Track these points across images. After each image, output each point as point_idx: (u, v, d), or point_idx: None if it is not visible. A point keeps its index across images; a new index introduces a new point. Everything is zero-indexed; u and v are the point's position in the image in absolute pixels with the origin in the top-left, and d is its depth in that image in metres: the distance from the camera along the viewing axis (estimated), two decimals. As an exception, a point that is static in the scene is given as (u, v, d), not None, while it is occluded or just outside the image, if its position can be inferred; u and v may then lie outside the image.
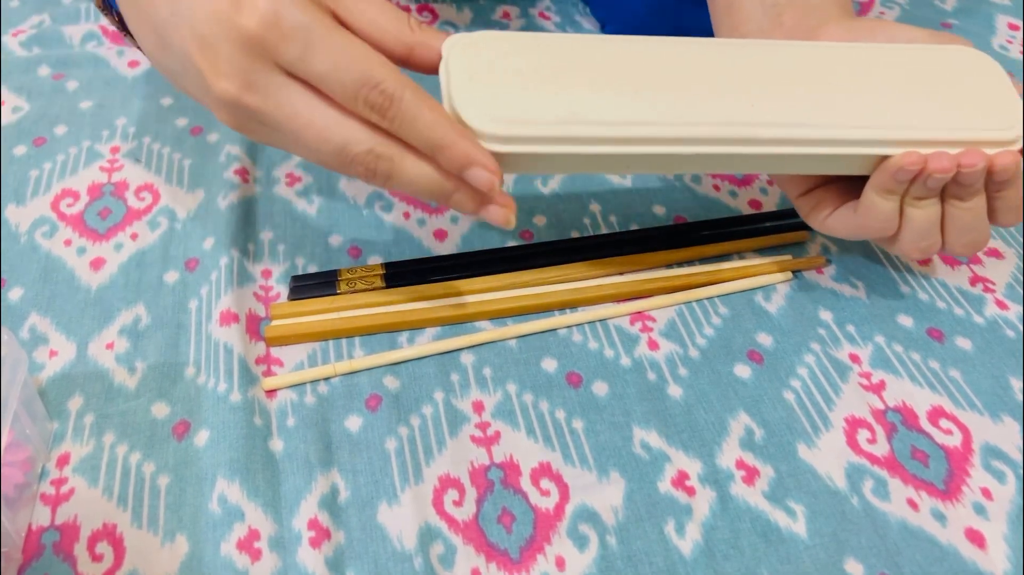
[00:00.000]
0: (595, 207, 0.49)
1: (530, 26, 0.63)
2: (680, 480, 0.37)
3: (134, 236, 0.46)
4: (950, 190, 0.37)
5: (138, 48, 0.37)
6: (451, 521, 0.35)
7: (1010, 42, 0.64)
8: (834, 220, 0.40)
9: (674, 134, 0.34)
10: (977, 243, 0.39)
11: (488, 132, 0.33)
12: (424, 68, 0.35)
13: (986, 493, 0.37)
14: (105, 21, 0.61)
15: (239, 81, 0.31)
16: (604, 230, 0.48)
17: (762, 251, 0.47)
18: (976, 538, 0.35)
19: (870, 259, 0.47)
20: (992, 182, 0.37)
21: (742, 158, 0.36)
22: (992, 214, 0.38)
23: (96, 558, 0.33)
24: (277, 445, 0.37)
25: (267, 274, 0.45)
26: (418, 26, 0.35)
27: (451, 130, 0.32)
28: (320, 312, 0.42)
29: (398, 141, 0.32)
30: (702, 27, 0.48)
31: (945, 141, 0.36)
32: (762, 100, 0.36)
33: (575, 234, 0.47)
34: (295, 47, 0.30)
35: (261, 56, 0.31)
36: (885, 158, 0.36)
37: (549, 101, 0.34)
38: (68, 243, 0.45)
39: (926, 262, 0.47)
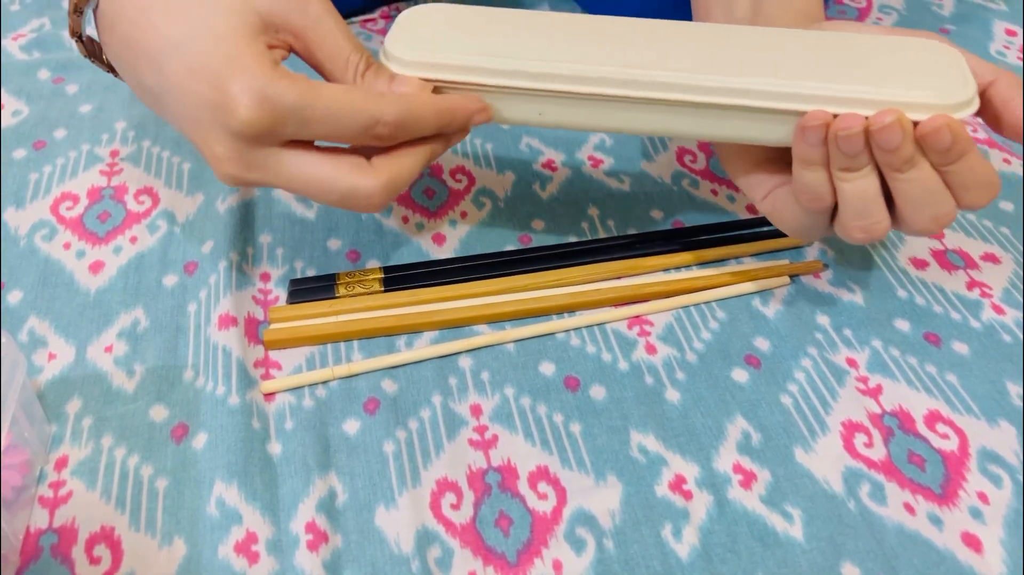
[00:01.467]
0: (593, 211, 0.49)
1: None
2: (677, 484, 0.37)
3: (133, 239, 0.46)
4: (881, 159, 0.34)
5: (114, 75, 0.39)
6: (448, 524, 0.35)
7: (1007, 48, 0.64)
8: (773, 201, 0.39)
9: (572, 72, 0.36)
10: (939, 218, 0.35)
11: (407, 58, 0.36)
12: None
13: (983, 497, 0.37)
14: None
15: (239, 164, 0.33)
16: (602, 234, 0.48)
17: (760, 256, 0.47)
18: (973, 542, 0.35)
19: (867, 264, 0.47)
20: (932, 151, 0.34)
21: (646, 104, 0.36)
22: (952, 192, 0.35)
23: (94, 561, 0.33)
24: (275, 448, 0.37)
25: (266, 278, 0.45)
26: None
27: (446, 108, 0.35)
28: (318, 316, 0.42)
29: (391, 159, 0.35)
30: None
31: (866, 100, 0.34)
32: (679, 54, 0.37)
33: (573, 238, 0.48)
34: (292, 125, 0.32)
35: (259, 141, 0.32)
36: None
37: (470, 43, 0.37)
38: (67, 246, 0.45)
39: (922, 264, 0.47)
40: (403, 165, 0.35)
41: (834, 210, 0.37)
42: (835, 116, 0.34)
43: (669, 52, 0.37)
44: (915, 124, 0.34)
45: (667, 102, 0.36)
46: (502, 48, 0.37)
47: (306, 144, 0.33)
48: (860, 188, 0.35)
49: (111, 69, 0.39)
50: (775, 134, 0.37)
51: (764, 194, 0.40)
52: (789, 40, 0.38)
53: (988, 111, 0.36)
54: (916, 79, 0.35)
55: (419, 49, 0.36)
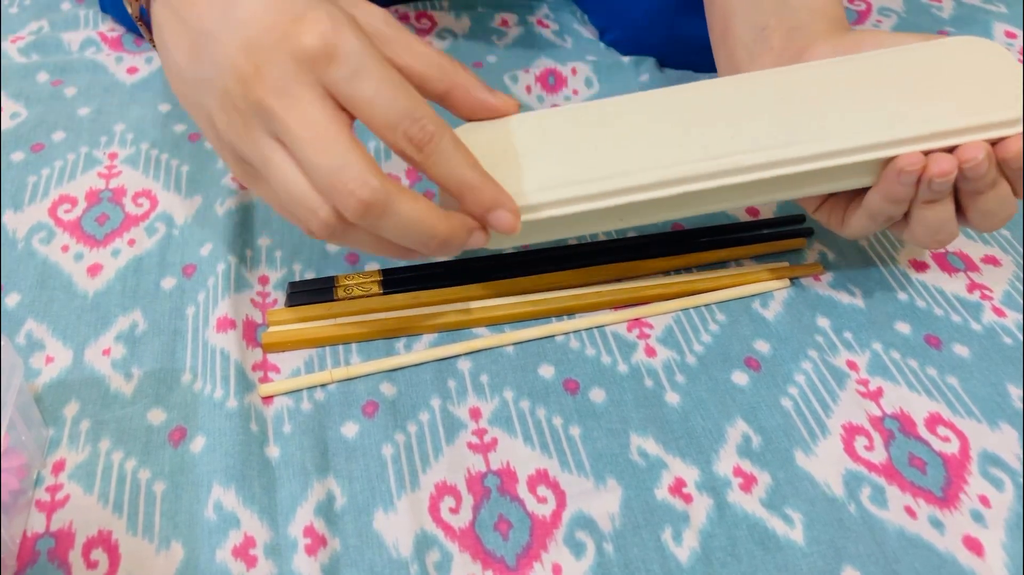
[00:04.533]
0: (593, 214, 0.49)
1: (528, 33, 0.63)
2: (677, 487, 0.37)
3: (131, 242, 0.46)
4: (965, 187, 0.36)
5: (154, 47, 0.38)
6: (447, 528, 0.35)
7: (1007, 50, 0.64)
8: (851, 225, 0.40)
9: (653, 179, 0.35)
10: (1005, 220, 0.38)
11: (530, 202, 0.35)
12: (458, 110, 0.37)
13: (984, 501, 0.37)
14: (104, 28, 0.61)
15: (276, 87, 0.31)
16: (602, 237, 0.48)
17: (759, 258, 0.47)
18: (974, 546, 0.35)
19: (868, 266, 0.47)
20: (1010, 170, 0.36)
21: (732, 189, 0.36)
22: (1017, 193, 0.37)
23: (91, 565, 0.33)
24: (273, 452, 0.37)
25: (264, 280, 0.45)
26: (458, 69, 0.36)
27: (482, 172, 0.34)
28: (317, 318, 0.42)
29: (396, 183, 0.32)
30: (699, 34, 0.48)
31: (947, 132, 0.35)
32: (745, 128, 0.37)
33: (572, 241, 0.47)
34: (346, 68, 0.31)
35: (310, 71, 0.31)
36: (887, 163, 0.36)
37: (541, 169, 0.36)
38: (65, 249, 0.45)
39: (922, 267, 0.47)
40: (404, 200, 0.32)
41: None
42: (926, 154, 0.35)
43: (741, 124, 0.37)
44: (992, 143, 0.35)
45: (756, 183, 0.36)
46: (576, 170, 0.36)
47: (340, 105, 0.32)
48: (939, 213, 0.37)
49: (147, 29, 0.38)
50: (860, 181, 0.38)
51: (817, 205, 0.42)
52: (846, 75, 0.38)
53: None
54: (981, 93, 0.36)
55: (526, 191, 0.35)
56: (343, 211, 0.31)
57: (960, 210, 0.38)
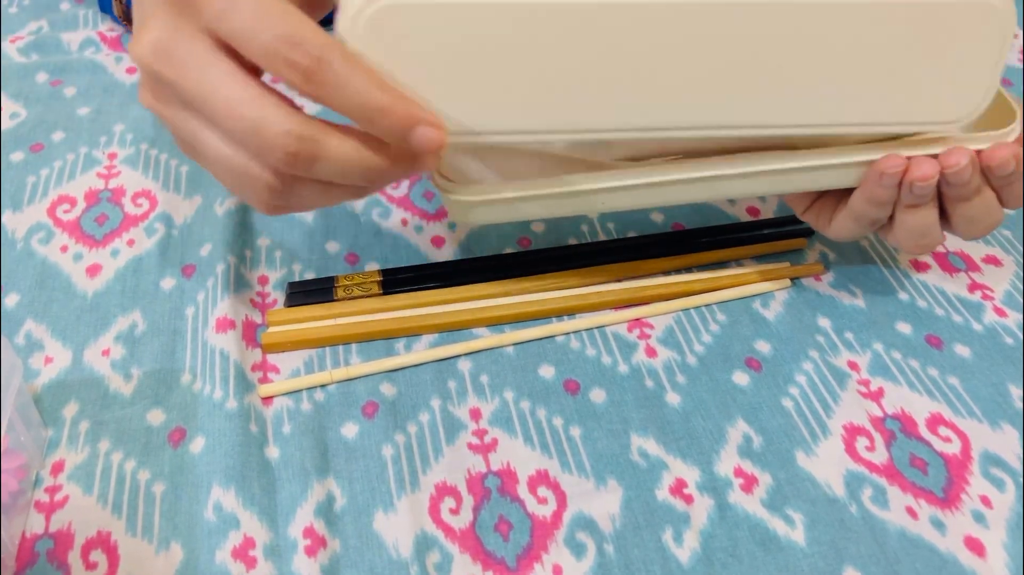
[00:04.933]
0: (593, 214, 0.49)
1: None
2: (678, 488, 0.37)
3: (131, 242, 0.46)
4: (948, 193, 0.36)
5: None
6: (447, 529, 0.35)
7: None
8: (837, 227, 0.40)
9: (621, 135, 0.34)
10: (991, 227, 0.38)
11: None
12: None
13: (985, 501, 0.37)
14: (103, 28, 0.61)
15: (158, 46, 0.28)
16: (602, 237, 0.48)
17: (760, 258, 0.47)
18: (975, 546, 0.35)
19: (868, 266, 0.47)
20: (996, 177, 0.36)
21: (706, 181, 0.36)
22: (1003, 201, 0.37)
23: (90, 566, 0.33)
24: (273, 452, 0.37)
25: (264, 280, 0.44)
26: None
27: (389, 92, 0.29)
28: (317, 319, 0.42)
29: (320, 122, 0.29)
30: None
31: (932, 140, 0.35)
32: (733, 98, 0.33)
33: (573, 241, 0.47)
34: (215, 6, 0.28)
35: (189, 19, 0.28)
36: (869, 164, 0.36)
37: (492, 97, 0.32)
38: (65, 249, 0.45)
39: (923, 267, 0.46)
40: (331, 139, 0.29)
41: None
42: (908, 158, 0.35)
43: (730, 88, 0.33)
44: (977, 152, 0.35)
45: (755, 174, 0.37)
46: (521, 98, 0.32)
47: (238, 56, 0.28)
48: (922, 217, 0.37)
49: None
50: (843, 182, 0.38)
51: (806, 207, 0.42)
52: (849, 36, 0.34)
53: None
54: (962, 95, 0.35)
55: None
56: (276, 167, 0.29)
57: (944, 216, 0.38)
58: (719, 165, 0.36)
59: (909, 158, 0.36)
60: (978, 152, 0.35)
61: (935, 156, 0.36)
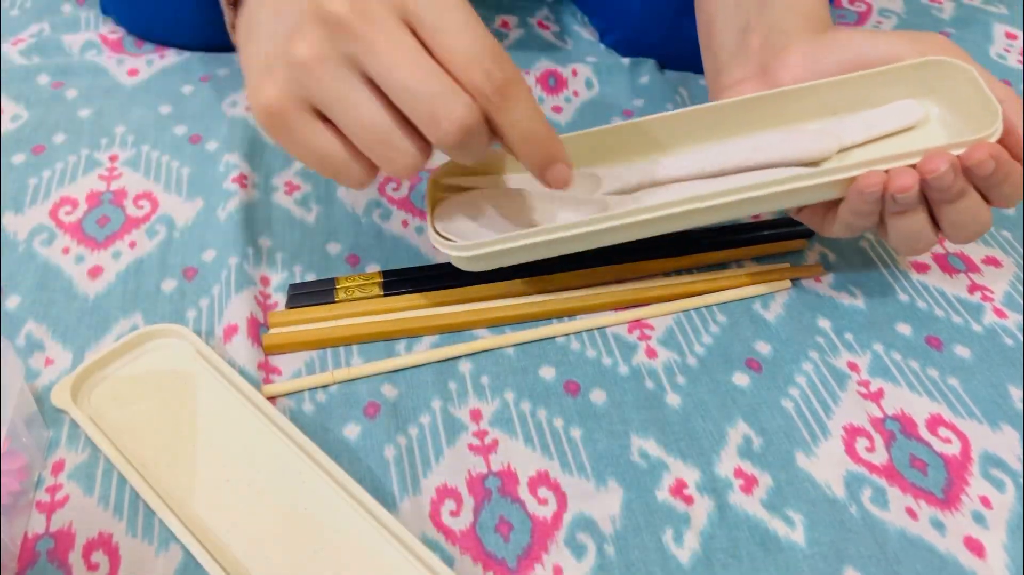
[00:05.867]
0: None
1: (528, 36, 0.63)
2: (678, 489, 0.37)
3: (132, 244, 0.46)
4: (933, 197, 0.37)
5: (233, 31, 0.37)
6: (448, 532, 0.35)
7: (1008, 51, 0.64)
8: (828, 230, 0.41)
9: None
10: (980, 230, 0.38)
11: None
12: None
13: (985, 502, 0.37)
14: (105, 30, 0.61)
15: (354, 7, 0.30)
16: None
17: (760, 259, 0.47)
18: (975, 547, 0.35)
19: (868, 267, 0.47)
20: (978, 179, 0.36)
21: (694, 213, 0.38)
22: (991, 201, 0.37)
23: (92, 566, 0.33)
24: (274, 453, 0.37)
25: (265, 282, 0.45)
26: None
27: (547, 126, 0.33)
28: (318, 320, 0.42)
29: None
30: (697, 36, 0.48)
31: (912, 153, 0.36)
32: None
33: (573, 242, 0.47)
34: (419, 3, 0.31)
35: (355, 20, 0.30)
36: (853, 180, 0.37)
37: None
38: (66, 251, 0.45)
39: (923, 268, 0.47)
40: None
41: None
42: (887, 171, 0.36)
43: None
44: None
45: (736, 203, 0.38)
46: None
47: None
48: (911, 223, 0.37)
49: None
50: (827, 196, 0.39)
51: (798, 209, 0.42)
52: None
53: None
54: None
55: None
56: (440, 138, 0.31)
57: (933, 219, 0.38)
58: (701, 197, 0.38)
59: (888, 171, 0.36)
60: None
61: (914, 166, 0.36)
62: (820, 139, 0.41)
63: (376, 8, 0.30)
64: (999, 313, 0.44)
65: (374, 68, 0.31)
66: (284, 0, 0.33)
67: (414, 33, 0.31)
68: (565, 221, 0.38)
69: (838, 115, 0.42)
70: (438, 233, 0.40)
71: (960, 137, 0.37)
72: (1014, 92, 0.38)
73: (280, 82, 0.32)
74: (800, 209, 0.42)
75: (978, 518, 0.36)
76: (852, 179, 0.37)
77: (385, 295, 0.43)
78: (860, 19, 0.67)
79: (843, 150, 0.41)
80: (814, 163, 0.40)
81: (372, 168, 0.34)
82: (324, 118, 0.33)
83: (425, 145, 0.33)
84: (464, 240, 0.39)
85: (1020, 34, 0.66)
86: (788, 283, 0.45)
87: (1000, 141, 0.36)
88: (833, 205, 0.40)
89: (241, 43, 0.36)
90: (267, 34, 0.34)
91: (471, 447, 0.38)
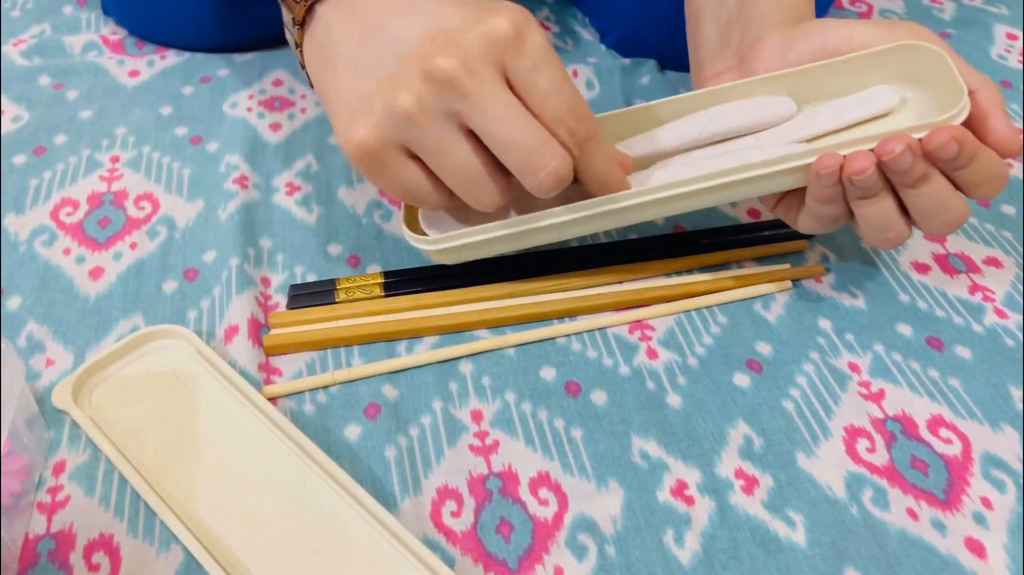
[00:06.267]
0: (594, 216, 0.49)
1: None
2: (679, 489, 0.37)
3: (133, 245, 0.46)
4: (895, 180, 0.36)
5: (300, 54, 0.39)
6: (449, 533, 0.35)
7: (1008, 51, 0.64)
8: (802, 223, 0.41)
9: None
10: (952, 222, 0.37)
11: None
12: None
13: (986, 502, 0.37)
14: (106, 31, 0.61)
15: (463, 66, 0.32)
16: (603, 239, 0.48)
17: (761, 260, 0.47)
18: (976, 548, 0.35)
19: (869, 268, 0.47)
20: (943, 163, 0.35)
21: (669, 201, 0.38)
22: (963, 190, 0.37)
23: (93, 567, 0.33)
24: (275, 454, 0.37)
25: (266, 283, 0.45)
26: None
27: (620, 175, 0.37)
28: (319, 321, 0.42)
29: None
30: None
31: (872, 136, 0.36)
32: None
33: (574, 243, 0.47)
34: (531, 58, 0.33)
35: (498, 54, 0.33)
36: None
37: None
38: (67, 252, 0.45)
39: (924, 268, 0.47)
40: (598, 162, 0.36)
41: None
42: (844, 156, 0.36)
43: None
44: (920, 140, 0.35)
45: (690, 193, 0.38)
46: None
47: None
48: (878, 210, 0.37)
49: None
50: (790, 184, 0.39)
51: (773, 204, 0.42)
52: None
53: (968, 121, 0.36)
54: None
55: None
56: (535, 186, 0.34)
57: (903, 209, 0.37)
58: (661, 187, 0.38)
59: (845, 155, 0.36)
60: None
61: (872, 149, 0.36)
62: (776, 104, 0.41)
63: (481, 68, 0.33)
64: (1000, 314, 0.44)
65: (477, 122, 0.33)
66: (371, 34, 0.35)
67: (510, 86, 0.34)
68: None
69: (811, 103, 0.41)
70: (413, 230, 0.41)
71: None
72: (990, 80, 0.37)
73: (376, 125, 0.34)
74: (775, 204, 0.42)
75: (979, 519, 0.36)
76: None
77: (386, 296, 0.43)
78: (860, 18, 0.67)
79: (815, 138, 0.41)
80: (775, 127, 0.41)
81: (453, 196, 0.37)
82: (413, 155, 0.35)
83: (508, 187, 0.36)
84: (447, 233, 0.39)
85: (1021, 34, 0.66)
86: (789, 284, 0.45)
87: (973, 129, 0.36)
88: (804, 200, 0.39)
89: (315, 68, 0.38)
90: (355, 68, 0.35)
91: (472, 448, 0.38)
